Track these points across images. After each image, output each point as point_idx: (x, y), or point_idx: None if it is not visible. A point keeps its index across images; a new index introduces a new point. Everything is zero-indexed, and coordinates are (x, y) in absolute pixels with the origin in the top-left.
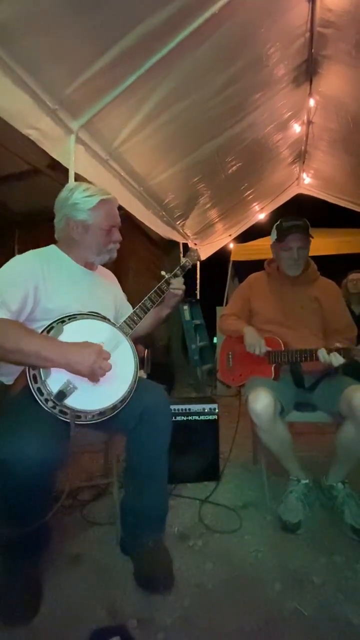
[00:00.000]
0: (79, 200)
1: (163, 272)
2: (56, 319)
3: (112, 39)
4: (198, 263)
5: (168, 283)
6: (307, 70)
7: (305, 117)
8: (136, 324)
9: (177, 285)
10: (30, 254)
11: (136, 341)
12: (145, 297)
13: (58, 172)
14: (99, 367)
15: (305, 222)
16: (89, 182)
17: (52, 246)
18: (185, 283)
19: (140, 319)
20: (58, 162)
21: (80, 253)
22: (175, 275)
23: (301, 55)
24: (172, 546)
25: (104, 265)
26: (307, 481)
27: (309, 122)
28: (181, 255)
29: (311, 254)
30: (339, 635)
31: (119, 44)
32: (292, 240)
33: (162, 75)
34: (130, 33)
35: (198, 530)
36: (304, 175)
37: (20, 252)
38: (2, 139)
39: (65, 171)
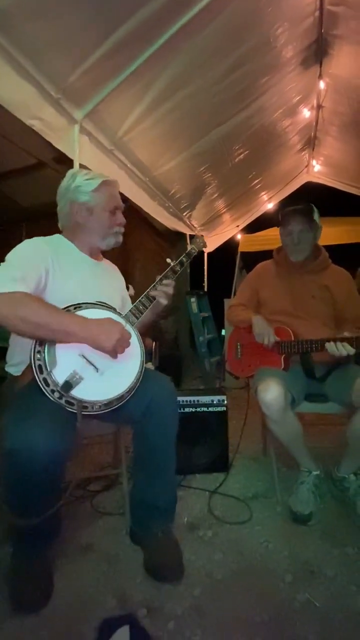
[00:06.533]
0: (81, 183)
1: (168, 260)
2: (61, 307)
3: (113, 25)
4: (205, 254)
5: (174, 271)
6: (317, 51)
7: (315, 101)
8: (142, 313)
9: (167, 284)
10: (40, 239)
11: (144, 334)
12: (151, 286)
13: (63, 165)
14: (121, 345)
15: (308, 205)
16: None
17: (58, 235)
18: (192, 274)
19: (146, 308)
20: (63, 155)
21: (86, 238)
22: (173, 272)
23: (310, 35)
24: (181, 536)
25: (111, 252)
26: (318, 472)
27: (319, 106)
28: (188, 246)
29: (322, 242)
30: (352, 627)
31: (121, 29)
32: (292, 223)
33: (166, 61)
34: (132, 17)
35: (208, 521)
36: (314, 162)
37: None
38: (8, 134)
39: (70, 163)
